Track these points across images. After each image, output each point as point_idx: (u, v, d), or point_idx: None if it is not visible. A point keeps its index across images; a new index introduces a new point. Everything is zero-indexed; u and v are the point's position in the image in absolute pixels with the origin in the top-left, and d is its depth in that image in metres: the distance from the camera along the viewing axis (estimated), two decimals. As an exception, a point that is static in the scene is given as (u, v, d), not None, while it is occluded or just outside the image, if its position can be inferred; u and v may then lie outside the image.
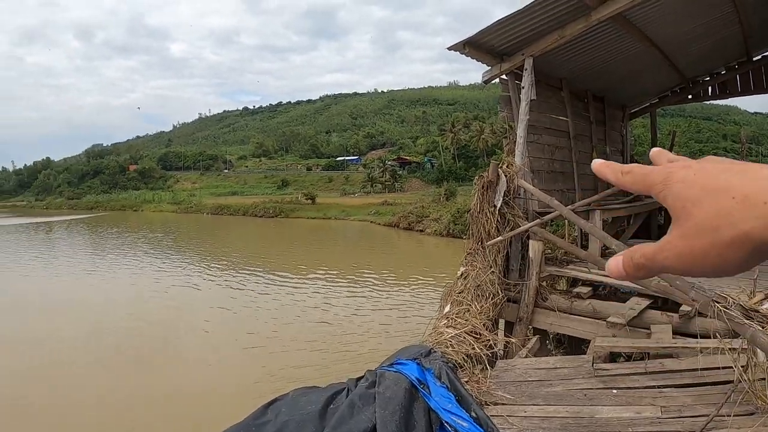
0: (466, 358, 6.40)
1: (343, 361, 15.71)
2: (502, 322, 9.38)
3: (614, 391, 5.83)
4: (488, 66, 10.27)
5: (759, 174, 0.59)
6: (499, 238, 8.92)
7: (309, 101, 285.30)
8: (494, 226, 8.98)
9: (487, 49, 9.90)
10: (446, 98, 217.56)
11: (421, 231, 52.63)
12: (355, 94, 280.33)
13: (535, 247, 9.01)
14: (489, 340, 7.12)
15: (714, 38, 12.60)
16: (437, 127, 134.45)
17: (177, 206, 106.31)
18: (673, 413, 5.14)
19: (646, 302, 7.85)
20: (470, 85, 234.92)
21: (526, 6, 8.67)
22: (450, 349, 6.40)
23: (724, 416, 4.78)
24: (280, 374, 14.79)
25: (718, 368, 5.62)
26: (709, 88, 16.31)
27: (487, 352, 6.86)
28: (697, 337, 6.71)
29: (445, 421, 4.26)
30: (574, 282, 9.85)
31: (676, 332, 7.21)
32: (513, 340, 8.44)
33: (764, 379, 5.04)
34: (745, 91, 15.68)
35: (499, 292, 8.64)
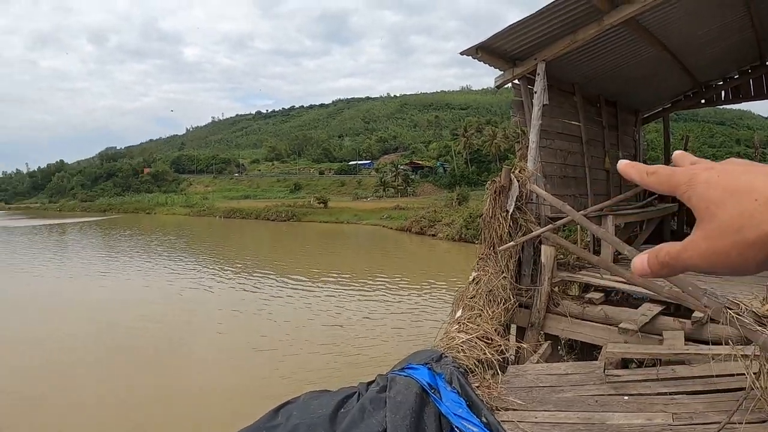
0: (477, 363, 6.39)
1: (355, 365, 15.72)
2: (513, 328, 9.36)
3: (626, 397, 5.81)
4: (501, 70, 10.26)
5: None
6: (511, 243, 8.90)
7: (322, 105, 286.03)
8: (506, 231, 8.96)
9: (499, 53, 9.90)
10: (459, 103, 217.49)
11: (433, 235, 52.57)
12: (368, 98, 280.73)
13: (547, 253, 8.99)
14: (500, 345, 7.11)
15: (727, 42, 12.53)
16: (450, 131, 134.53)
17: (190, 209, 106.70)
18: (684, 420, 5.11)
19: (658, 308, 7.81)
20: (483, 89, 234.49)
21: (539, 11, 8.66)
22: (461, 354, 6.39)
23: (735, 424, 4.76)
24: (291, 377, 14.81)
25: (730, 375, 5.58)
26: (723, 93, 16.19)
27: (499, 357, 6.85)
28: (709, 344, 6.66)
29: (456, 426, 4.27)
30: (586, 287, 9.82)
31: (688, 339, 7.16)
32: (524, 346, 8.41)
33: (777, 386, 5.01)
34: (759, 96, 15.57)
35: (511, 297, 8.62)
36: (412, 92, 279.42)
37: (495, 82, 10.52)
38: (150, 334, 20.15)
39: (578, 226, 11.38)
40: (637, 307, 8.21)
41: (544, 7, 8.56)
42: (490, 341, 7.01)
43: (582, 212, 8.77)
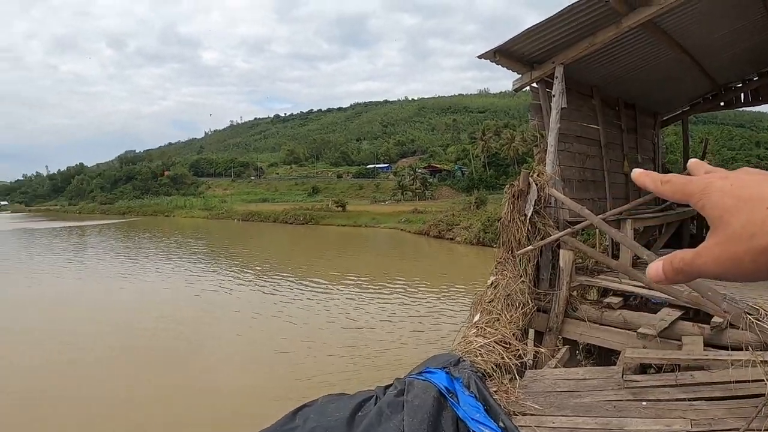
0: (495, 367, 6.38)
1: (373, 368, 15.72)
2: (531, 332, 9.33)
3: (644, 403, 5.78)
4: (519, 74, 10.25)
5: None
6: (530, 247, 8.88)
7: (340, 109, 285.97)
8: (525, 235, 8.94)
9: (517, 57, 9.89)
10: (477, 106, 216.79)
11: (451, 239, 52.44)
12: (386, 101, 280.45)
13: (565, 257, 8.96)
14: (518, 349, 7.09)
15: (746, 44, 12.44)
16: (468, 135, 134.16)
17: (208, 212, 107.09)
18: (703, 426, 5.08)
19: (677, 313, 7.77)
20: (501, 92, 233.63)
21: (557, 14, 8.64)
22: (479, 358, 6.38)
23: (754, 430, 4.73)
24: (309, 380, 14.84)
25: (750, 381, 5.55)
26: (742, 95, 16.06)
27: (516, 361, 6.83)
28: (728, 350, 6.62)
29: (473, 431, 4.26)
30: (604, 292, 9.78)
31: (708, 344, 7.12)
32: (542, 350, 8.39)
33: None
34: (778, 98, 15.50)
35: (529, 301, 8.60)
36: (430, 95, 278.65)
37: (513, 85, 10.51)
38: (169, 335, 20.30)
39: (597, 230, 11.33)
40: (656, 312, 8.17)
41: (562, 10, 8.55)
42: (508, 345, 7.00)
43: (601, 216, 8.75)
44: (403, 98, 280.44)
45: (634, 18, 8.71)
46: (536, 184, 9.09)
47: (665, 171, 17.41)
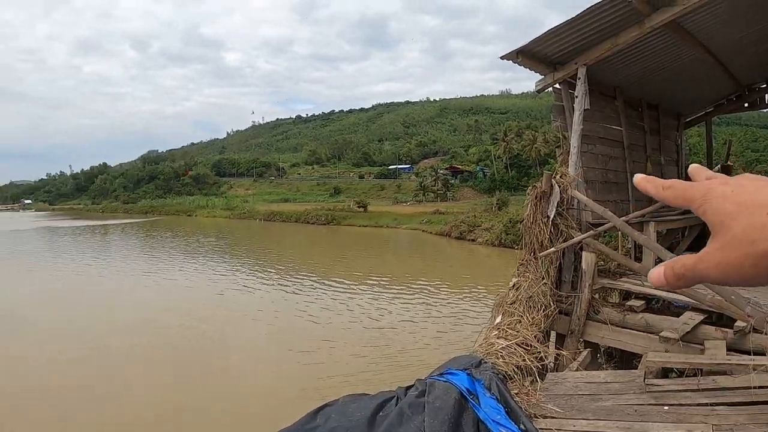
0: (516, 369, 6.37)
1: (394, 368, 15.73)
2: (553, 335, 9.29)
3: (665, 407, 5.73)
4: (541, 75, 10.20)
5: None
6: (552, 249, 8.84)
7: (361, 110, 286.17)
8: (547, 236, 8.90)
9: (540, 57, 9.85)
10: (498, 107, 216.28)
11: (473, 240, 52.33)
12: (408, 102, 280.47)
13: (588, 259, 8.92)
14: (540, 352, 7.07)
15: (770, 44, 12.32)
16: (489, 135, 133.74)
17: (230, 212, 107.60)
18: (725, 432, 5.04)
19: (700, 317, 7.70)
20: (522, 93, 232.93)
21: (579, 14, 8.60)
22: (500, 360, 6.37)
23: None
24: (330, 380, 14.88)
25: (774, 387, 5.50)
26: (766, 96, 15.90)
27: (538, 364, 6.81)
28: (751, 354, 6.56)
29: (494, 433, 4.26)
30: (626, 295, 9.73)
31: (730, 348, 7.05)
32: (564, 353, 8.36)
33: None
34: (803, 99, 15.33)
35: (551, 303, 8.57)
36: (452, 96, 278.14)
37: (536, 86, 10.47)
38: (191, 333, 20.49)
39: (619, 232, 11.25)
40: (678, 316, 8.11)
41: (584, 11, 8.51)
42: (529, 348, 6.98)
43: (623, 218, 8.69)
44: (425, 99, 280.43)
45: (657, 18, 8.65)
46: (559, 186, 9.05)
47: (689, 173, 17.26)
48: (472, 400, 4.50)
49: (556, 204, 8.95)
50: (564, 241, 9.00)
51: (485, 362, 5.53)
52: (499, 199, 68.13)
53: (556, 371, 7.91)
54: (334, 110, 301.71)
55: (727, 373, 6.28)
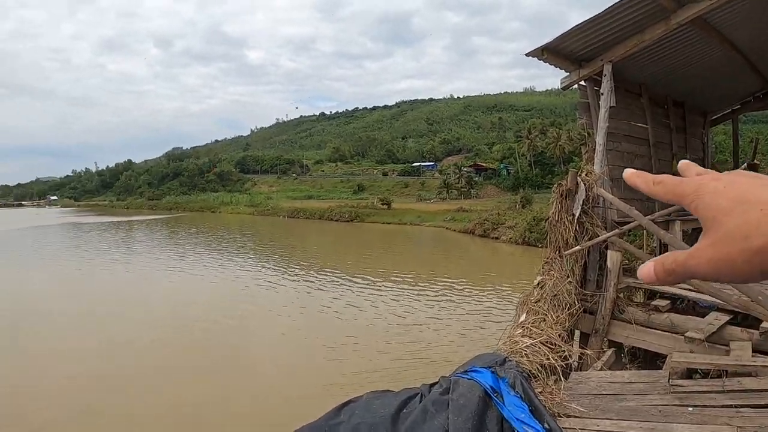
0: (540, 368, 6.34)
1: (418, 365, 15.73)
2: (577, 333, 9.24)
3: (690, 408, 5.68)
4: (566, 72, 10.15)
5: None
6: (577, 247, 8.80)
7: (385, 107, 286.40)
8: (572, 235, 8.86)
9: (565, 54, 9.79)
10: (522, 104, 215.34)
11: (496, 238, 52.18)
12: (431, 99, 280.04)
13: (613, 258, 8.87)
14: (564, 351, 7.03)
15: (799, 41, 12.15)
16: (513, 133, 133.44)
17: (254, 208, 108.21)
18: (750, 434, 4.99)
19: (725, 318, 7.63)
20: (546, 90, 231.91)
21: (605, 10, 8.54)
22: (524, 358, 6.35)
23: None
24: (354, 376, 14.92)
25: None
26: (794, 94, 15.71)
27: (562, 363, 6.78)
28: (778, 356, 6.49)
29: (518, 431, 4.25)
30: (651, 294, 9.65)
31: (756, 350, 6.98)
32: (588, 352, 8.31)
33: None
34: (831, 96, 15.11)
35: (576, 302, 8.51)
36: (476, 94, 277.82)
37: (561, 83, 10.42)
38: (215, 327, 20.70)
39: (645, 231, 11.17)
40: (703, 316, 8.04)
41: (610, 7, 8.45)
42: (553, 346, 6.94)
43: (649, 217, 8.62)
44: (449, 96, 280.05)
45: (683, 14, 8.57)
46: (584, 184, 9.00)
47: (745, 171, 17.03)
48: (496, 398, 4.49)
49: (581, 202, 8.91)
50: (589, 239, 8.95)
51: (509, 360, 5.51)
52: (523, 196, 67.84)
53: (580, 370, 7.88)
54: (357, 107, 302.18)
55: (752, 374, 6.21)
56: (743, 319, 7.68)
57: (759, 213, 0.62)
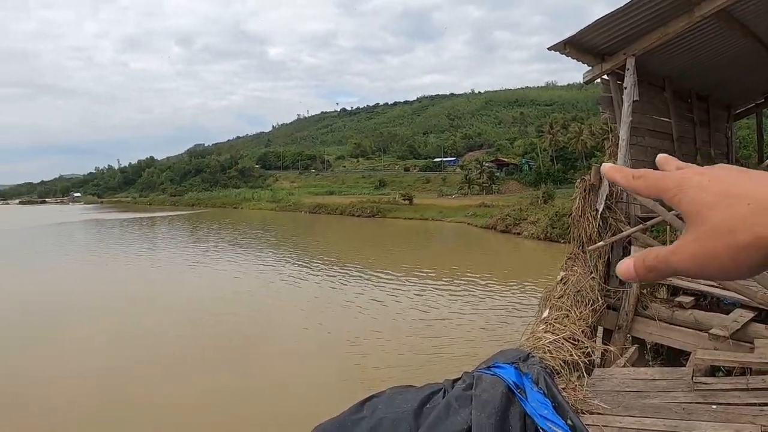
0: (563, 364, 6.32)
1: (441, 361, 15.74)
2: (600, 330, 9.19)
3: (714, 406, 5.63)
4: (589, 66, 10.07)
5: None
6: (601, 243, 8.75)
7: (406, 102, 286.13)
8: (596, 230, 8.81)
9: (587, 48, 9.72)
10: (544, 99, 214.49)
11: (518, 234, 52.01)
12: (452, 95, 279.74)
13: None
14: (587, 347, 7.01)
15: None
16: (535, 128, 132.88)
17: (276, 204, 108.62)
18: (774, 433, 4.94)
19: (750, 315, 7.55)
20: (568, 85, 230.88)
21: (628, 3, 8.45)
22: (547, 354, 6.33)
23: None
24: (377, 371, 14.97)
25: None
26: (819, 87, 15.49)
27: (585, 359, 6.75)
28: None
29: (541, 427, 4.24)
30: (675, 291, 9.57)
31: (782, 347, 6.91)
32: (611, 349, 8.26)
33: None
34: None
35: (599, 298, 8.47)
36: (497, 88, 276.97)
37: (583, 77, 10.34)
38: (241, 322, 20.92)
39: (668, 226, 11.07)
40: (728, 313, 7.96)
41: (632, 0, 8.38)
42: (576, 343, 6.92)
43: (673, 212, 8.55)
44: (470, 91, 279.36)
45: (707, 7, 8.47)
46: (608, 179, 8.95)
47: (739, 166, 16.86)
48: (519, 394, 4.49)
49: (605, 197, 8.86)
50: (613, 234, 8.90)
51: (533, 356, 5.49)
52: (545, 192, 67.54)
53: (603, 367, 7.83)
54: (378, 103, 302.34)
55: (777, 372, 6.15)
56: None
57: (745, 207, 0.61)
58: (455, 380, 4.65)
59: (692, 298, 8.70)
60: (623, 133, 9.64)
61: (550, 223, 46.79)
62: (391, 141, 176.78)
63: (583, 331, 7.39)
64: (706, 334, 7.54)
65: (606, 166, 0.79)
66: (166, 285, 29.58)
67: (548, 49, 9.60)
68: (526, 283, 27.21)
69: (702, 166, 0.70)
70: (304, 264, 36.82)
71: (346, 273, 32.26)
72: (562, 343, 6.68)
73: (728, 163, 11.14)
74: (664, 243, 12.40)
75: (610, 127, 10.33)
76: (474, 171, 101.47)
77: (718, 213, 0.62)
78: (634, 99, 9.61)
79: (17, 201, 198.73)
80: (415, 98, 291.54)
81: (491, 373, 4.62)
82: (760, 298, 7.14)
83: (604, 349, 8.33)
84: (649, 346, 9.45)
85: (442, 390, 4.44)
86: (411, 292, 26.35)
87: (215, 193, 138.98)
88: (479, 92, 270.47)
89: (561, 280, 8.53)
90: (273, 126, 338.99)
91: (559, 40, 9.44)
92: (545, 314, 7.65)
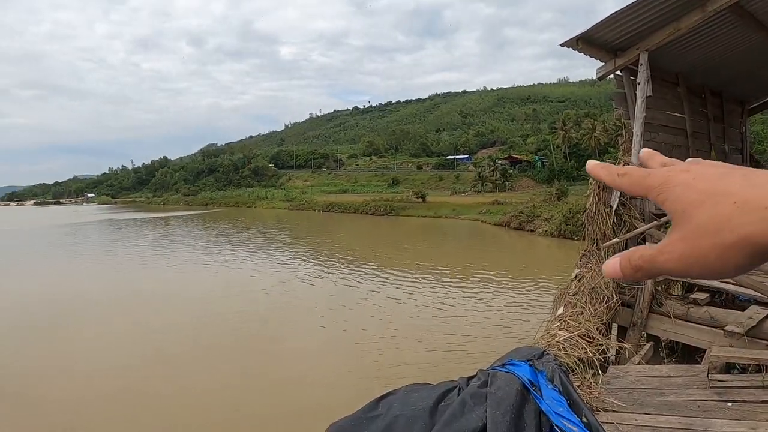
0: (577, 361, 6.32)
1: (456, 358, 15.74)
2: (614, 327, 9.16)
3: (729, 404, 5.61)
4: (601, 62, 10.04)
5: (759, 180, 0.61)
6: (615, 239, 8.73)
7: (418, 100, 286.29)
8: (610, 227, 8.79)
9: (600, 44, 9.69)
10: (556, 95, 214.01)
11: (532, 231, 51.82)
12: (464, 92, 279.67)
13: (651, 250, 8.77)
14: (602, 344, 7.00)
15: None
16: (548, 124, 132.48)
17: (289, 203, 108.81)
18: (790, 430, 4.92)
19: (765, 311, 7.50)
20: (580, 81, 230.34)
21: (640, -2, 8.44)
22: (562, 351, 6.33)
23: None
24: (392, 369, 14.97)
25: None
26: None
27: (600, 356, 6.74)
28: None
29: (556, 425, 4.24)
30: (690, 287, 9.54)
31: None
32: (626, 346, 8.25)
33: None
34: None
35: (614, 295, 8.45)
36: (509, 85, 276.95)
37: (596, 73, 10.31)
38: (257, 320, 21.03)
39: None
40: (743, 310, 7.92)
41: (644, -6, 8.35)
42: (591, 340, 6.91)
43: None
44: (482, 88, 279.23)
45: (720, 1, 8.43)
46: (621, 175, 8.91)
47: (753, 161, 16.79)
48: (534, 392, 4.49)
49: (619, 194, 8.83)
50: (627, 231, 8.88)
51: (547, 354, 5.49)
52: (559, 189, 67.30)
53: (618, 364, 7.82)
54: (390, 101, 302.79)
55: (793, 370, 6.12)
56: (784, 313, 7.57)
57: (731, 206, 0.60)
58: (470, 378, 4.66)
59: (707, 294, 8.67)
60: (637, 128, 9.61)
61: (564, 220, 46.57)
62: (404, 139, 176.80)
63: (597, 329, 7.39)
64: (722, 331, 7.51)
65: (591, 164, 0.78)
66: (181, 283, 29.71)
67: (561, 45, 9.58)
68: (540, 281, 27.12)
69: (715, 161, 0.68)
70: (319, 262, 36.86)
71: (361, 271, 32.27)
72: (577, 341, 6.67)
73: (742, 158, 11.13)
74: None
75: (623, 123, 10.30)
76: (487, 168, 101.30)
77: (703, 212, 0.62)
78: (648, 95, 9.57)
79: (32, 202, 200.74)
80: (427, 96, 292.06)
81: (506, 370, 4.63)
82: (776, 294, 7.10)
83: (619, 347, 8.32)
84: (663, 344, 9.41)
85: (457, 387, 4.45)
86: (426, 289, 26.33)
87: (229, 192, 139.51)
88: (491, 89, 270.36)
89: (575, 277, 8.52)
90: (286, 125, 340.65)
91: (570, 36, 9.42)
92: (560, 311, 7.65)
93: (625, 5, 8.75)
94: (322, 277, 30.63)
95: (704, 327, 8.07)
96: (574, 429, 4.24)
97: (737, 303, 8.64)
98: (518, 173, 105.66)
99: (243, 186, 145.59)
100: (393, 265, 33.59)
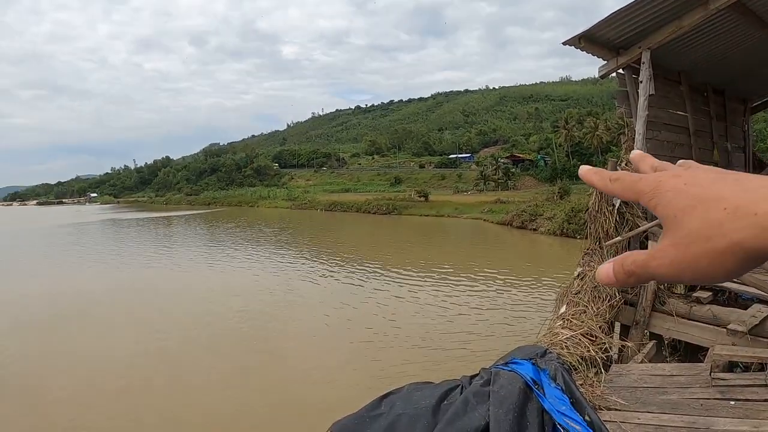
0: (580, 360, 6.31)
1: (458, 357, 15.73)
2: (617, 326, 9.16)
3: (732, 402, 5.61)
4: (604, 60, 10.03)
5: (750, 185, 0.61)
6: (618, 238, 8.72)
7: (420, 99, 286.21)
8: (613, 225, 8.78)
9: (602, 42, 9.68)
10: (558, 94, 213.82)
11: (534, 230, 51.76)
12: (467, 91, 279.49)
13: (654, 248, 8.76)
14: (604, 343, 6.99)
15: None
16: (550, 123, 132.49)
17: (291, 202, 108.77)
18: (793, 428, 4.92)
19: (768, 310, 7.51)
20: (582, 79, 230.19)
21: (642, -5, 8.44)
22: (565, 350, 6.33)
23: None
24: (394, 368, 14.95)
25: None
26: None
27: (602, 355, 6.74)
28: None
29: (559, 423, 4.23)
30: (692, 286, 9.53)
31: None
32: (629, 345, 8.24)
33: None
34: None
35: (616, 294, 8.44)
36: (511, 84, 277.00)
37: (599, 71, 10.31)
38: (260, 319, 21.01)
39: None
40: (746, 308, 7.91)
41: (647, -9, 8.35)
42: (594, 338, 6.91)
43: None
44: (484, 87, 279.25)
45: (721, -1, 8.44)
46: (624, 174, 8.90)
47: (756, 160, 16.77)
48: (537, 390, 4.48)
49: (620, 193, 8.82)
50: (630, 230, 8.87)
51: (550, 352, 5.49)
52: (561, 187, 67.13)
53: (621, 363, 7.81)
54: (393, 100, 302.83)
55: (795, 368, 6.12)
56: (786, 311, 7.56)
57: (722, 213, 0.60)
58: (473, 376, 4.66)
59: (710, 293, 8.66)
60: (639, 127, 9.61)
61: (567, 218, 46.49)
62: (406, 138, 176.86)
63: (600, 327, 7.38)
64: (724, 330, 7.51)
65: (584, 169, 0.79)
66: (184, 282, 29.70)
67: (563, 43, 9.58)
68: (543, 279, 27.12)
69: (707, 166, 0.69)
70: (322, 261, 36.86)
71: (364, 270, 32.26)
72: (580, 339, 6.67)
73: (745, 156, 11.13)
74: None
75: (626, 122, 10.30)
76: (489, 167, 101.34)
77: (695, 217, 0.62)
78: (650, 93, 9.57)
79: (35, 202, 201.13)
80: (429, 95, 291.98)
81: (509, 369, 4.63)
82: (778, 292, 7.10)
83: (622, 345, 8.31)
84: (666, 342, 9.41)
85: (460, 386, 4.45)
86: (429, 288, 26.32)
87: (231, 191, 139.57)
88: (493, 88, 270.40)
89: (578, 275, 8.52)
90: (288, 124, 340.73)
91: (573, 35, 9.42)
92: (562, 310, 7.65)
93: (627, 3, 8.75)
94: (325, 276, 30.64)
95: (707, 325, 8.07)
96: (577, 427, 4.24)
97: (740, 301, 8.63)
98: (520, 172, 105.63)
99: (245, 185, 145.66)
100: (396, 264, 33.59)
